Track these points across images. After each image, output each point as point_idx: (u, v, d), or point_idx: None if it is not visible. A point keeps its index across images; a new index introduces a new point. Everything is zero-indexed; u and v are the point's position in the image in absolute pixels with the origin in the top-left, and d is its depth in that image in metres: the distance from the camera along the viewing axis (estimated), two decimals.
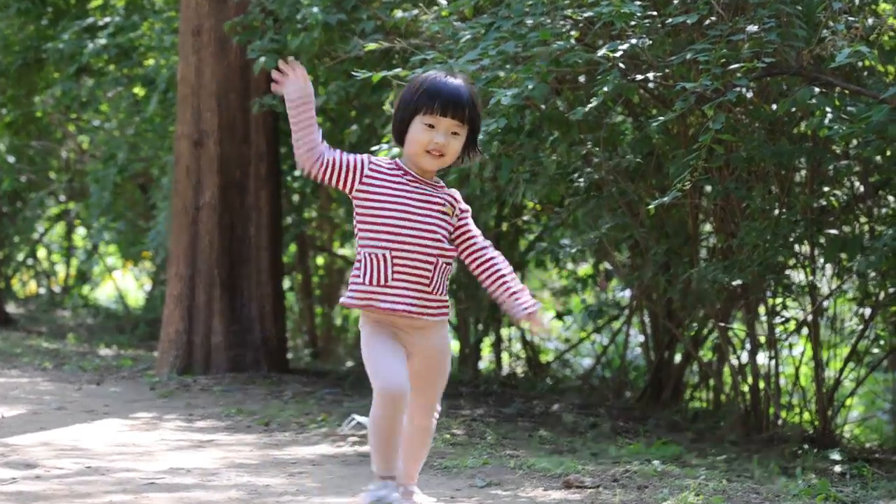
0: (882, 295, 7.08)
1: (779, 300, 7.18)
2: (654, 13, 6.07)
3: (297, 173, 9.63)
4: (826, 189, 6.85)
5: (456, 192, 4.19)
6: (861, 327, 7.35)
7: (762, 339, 7.18)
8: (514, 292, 4.10)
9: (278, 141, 9.04)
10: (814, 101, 5.68)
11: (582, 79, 6.71)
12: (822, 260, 7.08)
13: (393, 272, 4.02)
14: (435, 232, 4.06)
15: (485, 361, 10.03)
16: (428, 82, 4.09)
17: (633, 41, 5.86)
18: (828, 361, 7.33)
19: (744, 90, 5.67)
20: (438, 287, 4.08)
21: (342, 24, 7.62)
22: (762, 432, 7.01)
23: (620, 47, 5.81)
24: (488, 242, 4.19)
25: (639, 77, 6.06)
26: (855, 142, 6.37)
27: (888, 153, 6.44)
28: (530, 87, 5.84)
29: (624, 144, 6.98)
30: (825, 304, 7.20)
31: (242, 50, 8.25)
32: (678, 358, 8.20)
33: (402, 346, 4.11)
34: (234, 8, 8.50)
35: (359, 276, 4.06)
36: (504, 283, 4.10)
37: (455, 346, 9.25)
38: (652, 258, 7.21)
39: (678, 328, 7.70)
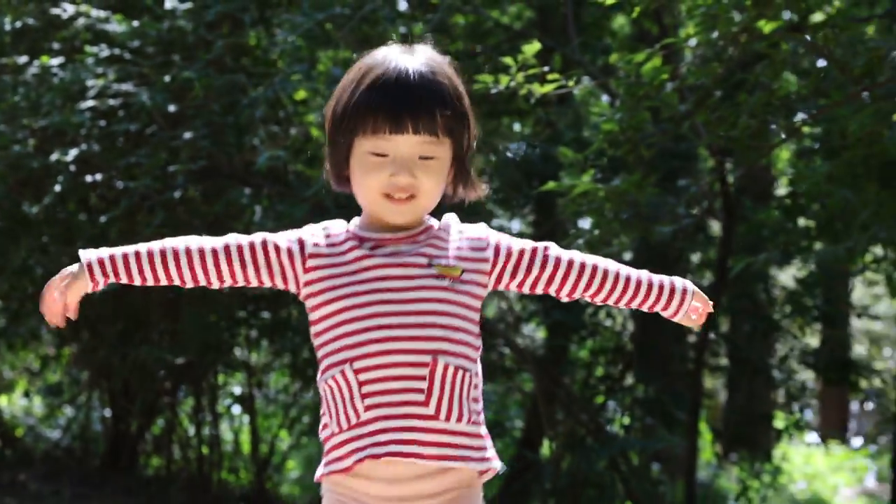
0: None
1: (221, 376, 7.84)
2: (103, 122, 6.52)
3: None
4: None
5: (475, 229, 2.48)
6: (291, 399, 8.18)
7: (207, 412, 7.85)
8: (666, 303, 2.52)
9: None
10: (245, 200, 6.35)
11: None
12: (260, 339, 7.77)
13: (363, 396, 2.34)
14: (426, 314, 2.35)
15: None
16: (365, 77, 2.37)
17: (84, 147, 6.39)
18: (266, 430, 8.07)
19: (177, 192, 6.33)
20: (449, 408, 2.34)
21: None
22: (208, 493, 7.66)
23: (71, 152, 6.33)
24: (573, 254, 2.50)
25: (89, 179, 6.63)
26: None
27: None
28: None
29: (81, 240, 7.13)
30: (263, 378, 7.96)
31: None
32: (135, 429, 8.56)
33: None
34: None
35: (328, 427, 2.40)
36: (637, 289, 2.50)
37: None
38: (107, 340, 7.68)
39: (132, 403, 8.16)
